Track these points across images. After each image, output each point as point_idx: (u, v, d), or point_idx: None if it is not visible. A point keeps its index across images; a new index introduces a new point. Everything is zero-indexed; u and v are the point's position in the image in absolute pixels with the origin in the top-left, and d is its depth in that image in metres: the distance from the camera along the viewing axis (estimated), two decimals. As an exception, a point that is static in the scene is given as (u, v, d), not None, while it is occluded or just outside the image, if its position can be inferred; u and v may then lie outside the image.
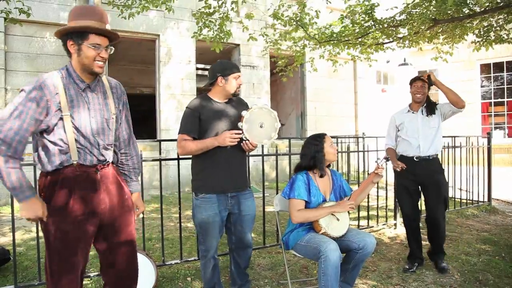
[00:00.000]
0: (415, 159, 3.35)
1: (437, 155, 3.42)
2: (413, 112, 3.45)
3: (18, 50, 6.62)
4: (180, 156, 3.15)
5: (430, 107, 3.39)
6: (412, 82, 3.42)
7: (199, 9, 5.10)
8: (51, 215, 1.70)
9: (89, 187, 1.75)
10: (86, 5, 1.80)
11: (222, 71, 2.49)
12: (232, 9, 5.09)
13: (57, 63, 6.86)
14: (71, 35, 1.72)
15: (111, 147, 1.87)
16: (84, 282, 2.96)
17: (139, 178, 2.13)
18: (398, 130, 3.53)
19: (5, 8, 4.21)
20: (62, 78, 1.73)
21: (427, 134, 3.35)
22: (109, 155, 1.85)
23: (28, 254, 3.72)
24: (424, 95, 3.38)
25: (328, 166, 2.76)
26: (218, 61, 2.60)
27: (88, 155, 1.75)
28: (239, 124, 2.37)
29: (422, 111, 3.41)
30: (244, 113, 2.38)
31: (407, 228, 3.47)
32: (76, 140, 1.72)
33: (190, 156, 3.16)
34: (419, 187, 3.41)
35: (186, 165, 8.20)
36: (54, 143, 1.71)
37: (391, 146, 3.57)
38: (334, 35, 5.38)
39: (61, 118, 1.69)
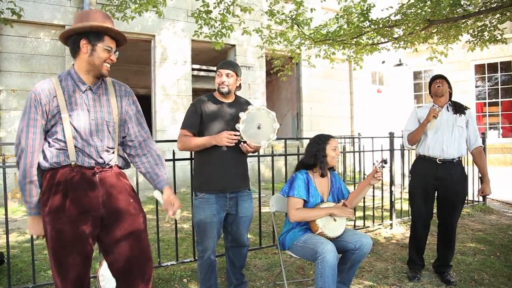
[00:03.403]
0: (438, 161, 3.04)
1: (460, 158, 3.09)
2: (438, 107, 3.12)
3: (12, 50, 6.56)
4: (176, 157, 3.14)
5: (458, 106, 3.12)
6: (432, 81, 3.20)
7: (197, 8, 5.11)
8: (48, 214, 1.70)
9: (86, 188, 1.73)
10: (97, 9, 1.83)
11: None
12: (233, 3, 5.10)
13: (52, 64, 6.81)
14: (87, 35, 1.72)
15: (113, 150, 1.83)
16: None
17: (165, 174, 1.99)
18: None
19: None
20: (61, 81, 1.75)
21: (452, 133, 3.04)
22: (110, 158, 1.81)
23: (22, 256, 3.68)
24: (444, 87, 3.11)
25: (330, 168, 2.76)
26: None
27: (86, 157, 1.74)
28: (237, 125, 2.37)
29: (447, 107, 3.12)
30: (241, 114, 2.39)
31: (413, 233, 3.22)
32: (74, 140, 1.72)
33: (186, 157, 3.19)
34: (436, 191, 3.12)
35: (182, 166, 8.17)
36: (53, 143, 1.72)
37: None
38: (329, 34, 5.39)
39: (61, 120, 1.71)
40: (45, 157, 1.74)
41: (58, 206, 1.69)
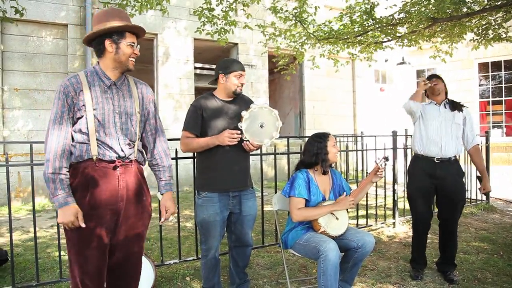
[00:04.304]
0: (436, 160, 3.04)
1: (456, 157, 3.10)
2: (435, 104, 3.15)
3: (14, 49, 6.59)
4: (179, 156, 3.14)
5: (455, 104, 3.12)
6: (428, 79, 3.20)
7: (200, 6, 5.11)
8: None
9: (106, 182, 1.77)
10: (115, 8, 1.93)
11: (224, 69, 2.51)
12: (235, 0, 5.09)
13: (54, 63, 6.83)
14: (111, 35, 1.81)
15: (133, 144, 1.89)
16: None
17: (168, 177, 2.06)
18: (418, 116, 3.19)
19: (0, 7, 4.17)
20: (87, 76, 1.83)
21: (450, 131, 3.04)
22: (130, 152, 1.86)
23: (26, 254, 3.70)
24: (441, 85, 3.14)
25: (330, 165, 2.76)
26: (223, 59, 2.61)
27: (107, 150, 1.79)
28: (239, 124, 2.36)
29: (444, 105, 3.13)
30: (243, 113, 2.37)
31: (415, 233, 3.23)
32: (97, 133, 1.78)
33: (189, 155, 3.18)
34: (435, 190, 3.11)
35: (185, 165, 8.19)
36: (77, 137, 1.78)
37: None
38: (333, 32, 5.37)
39: (85, 113, 1.77)
40: (72, 152, 1.78)
41: (79, 199, 1.74)
